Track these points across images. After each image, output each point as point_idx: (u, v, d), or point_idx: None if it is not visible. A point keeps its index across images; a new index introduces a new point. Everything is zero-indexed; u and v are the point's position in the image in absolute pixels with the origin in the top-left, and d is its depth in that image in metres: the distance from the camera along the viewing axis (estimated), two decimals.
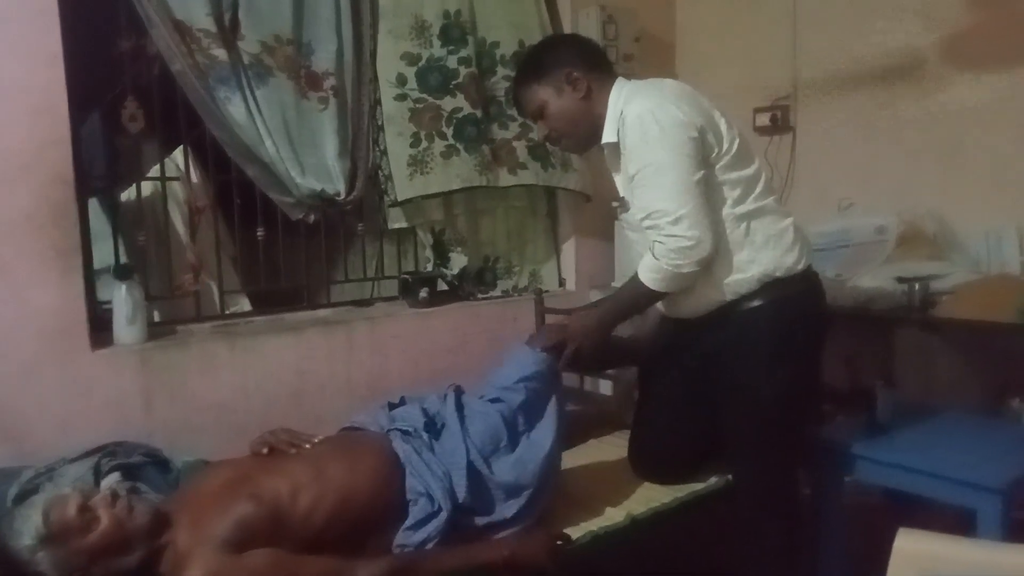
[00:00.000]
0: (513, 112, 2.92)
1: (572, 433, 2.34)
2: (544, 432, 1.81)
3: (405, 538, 1.60)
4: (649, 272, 1.79)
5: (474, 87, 2.85)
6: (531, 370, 1.86)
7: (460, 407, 1.84)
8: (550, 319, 2.64)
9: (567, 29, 3.14)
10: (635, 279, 1.83)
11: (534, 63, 1.92)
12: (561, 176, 3.05)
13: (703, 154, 1.73)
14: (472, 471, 1.68)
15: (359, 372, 2.58)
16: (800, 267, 1.84)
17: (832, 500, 2.07)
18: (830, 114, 3.12)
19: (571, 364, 1.91)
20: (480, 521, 1.68)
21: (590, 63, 1.89)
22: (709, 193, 1.76)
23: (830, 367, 2.16)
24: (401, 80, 2.72)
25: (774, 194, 1.90)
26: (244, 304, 2.75)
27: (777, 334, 1.80)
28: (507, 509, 1.70)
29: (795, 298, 1.83)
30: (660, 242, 1.72)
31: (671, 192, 1.69)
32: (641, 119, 1.71)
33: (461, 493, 1.64)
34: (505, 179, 2.94)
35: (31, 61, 2.01)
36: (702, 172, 1.73)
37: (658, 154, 1.70)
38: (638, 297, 1.87)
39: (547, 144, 2.05)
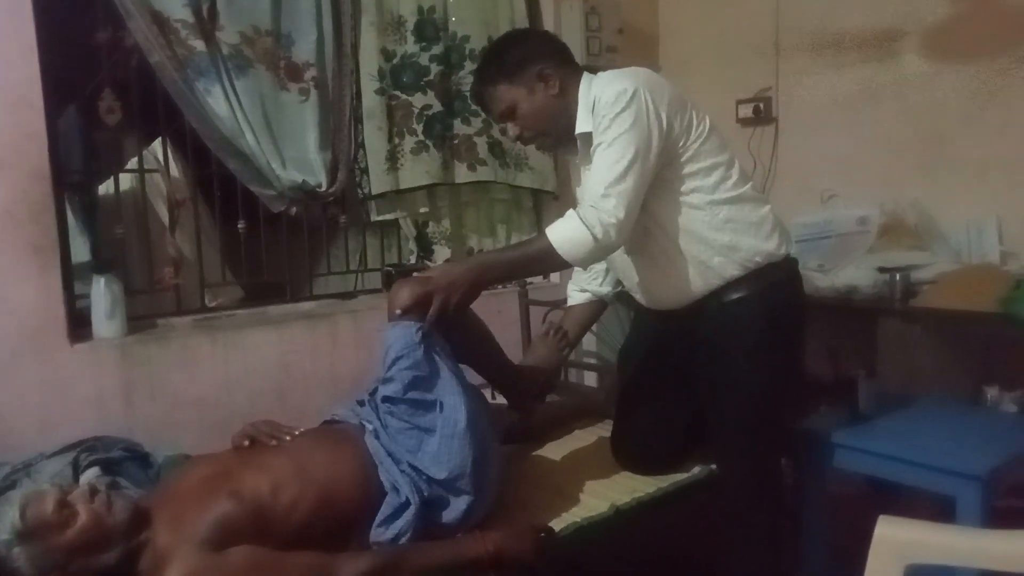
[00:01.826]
0: (477, 108, 2.91)
1: (556, 424, 2.35)
2: (452, 400, 1.64)
3: (377, 535, 1.57)
4: (570, 232, 1.66)
5: (443, 84, 2.86)
6: (396, 348, 1.64)
7: (378, 411, 1.73)
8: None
9: (549, 21, 3.14)
10: (541, 239, 1.71)
11: (501, 61, 1.81)
12: (515, 175, 3.06)
13: (667, 145, 1.71)
14: (415, 470, 1.63)
15: (343, 365, 2.57)
16: (781, 253, 1.84)
17: (814, 489, 2.08)
18: (813, 105, 3.12)
19: (439, 320, 1.67)
20: (449, 517, 1.63)
21: (559, 58, 1.83)
22: (680, 184, 1.75)
23: (812, 357, 2.17)
24: (381, 74, 2.72)
25: (750, 181, 1.89)
26: (236, 294, 2.73)
27: (761, 324, 1.80)
28: (459, 503, 1.63)
29: (778, 287, 1.83)
30: (588, 210, 1.65)
31: (615, 169, 1.65)
32: (617, 97, 1.67)
33: (424, 488, 1.61)
34: (465, 175, 2.94)
35: (5, 54, 1.98)
36: (655, 164, 1.69)
37: (618, 131, 1.66)
38: (537, 259, 1.74)
39: (518, 143, 1.98)
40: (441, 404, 1.64)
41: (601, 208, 1.65)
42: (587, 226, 1.65)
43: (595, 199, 1.66)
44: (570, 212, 1.70)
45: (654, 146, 1.68)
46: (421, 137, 2.81)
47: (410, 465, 1.63)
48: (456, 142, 2.93)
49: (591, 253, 1.70)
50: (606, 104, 1.69)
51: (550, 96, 1.80)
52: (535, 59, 1.79)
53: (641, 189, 1.68)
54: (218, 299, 2.69)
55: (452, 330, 1.76)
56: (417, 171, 2.80)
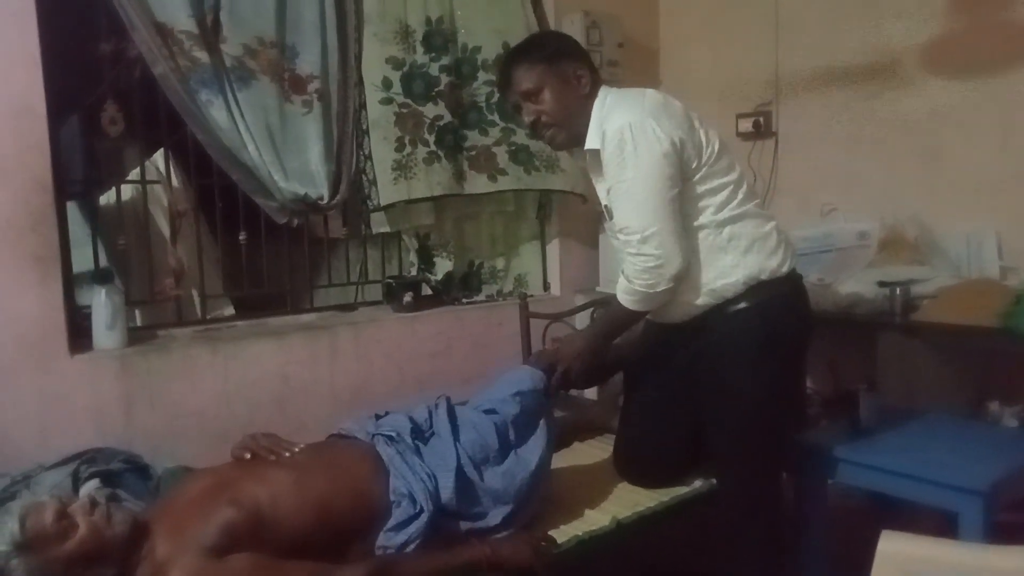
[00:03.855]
0: (494, 117, 2.92)
1: (557, 438, 2.34)
2: (533, 449, 1.83)
3: (387, 540, 1.59)
4: (624, 294, 1.84)
5: (454, 95, 2.85)
6: (527, 385, 1.89)
7: (452, 416, 1.85)
8: (550, 336, 2.67)
9: None
10: (615, 300, 1.88)
11: (546, 45, 1.91)
12: (547, 178, 3.04)
13: (680, 169, 1.74)
14: (461, 475, 1.68)
15: (343, 377, 2.57)
16: (784, 270, 1.85)
17: (815, 503, 2.08)
18: (812, 120, 3.14)
19: (562, 384, 1.98)
20: (465, 526, 1.69)
21: (591, 66, 1.91)
22: (688, 205, 1.77)
23: (813, 371, 2.17)
24: (387, 84, 2.72)
25: (756, 198, 1.90)
26: (227, 309, 2.72)
27: (762, 336, 1.80)
28: (493, 517, 1.71)
29: (780, 300, 1.84)
30: (631, 262, 1.77)
31: (640, 211, 1.73)
32: (620, 133, 1.71)
33: (446, 495, 1.64)
34: (484, 185, 2.93)
35: (8, 64, 1.99)
36: (676, 190, 1.74)
37: (630, 172, 1.72)
38: (620, 318, 1.93)
39: (532, 133, 2.01)
40: (517, 451, 1.82)
41: (644, 253, 1.74)
42: (641, 285, 1.78)
43: (634, 246, 1.75)
44: (623, 279, 1.83)
45: (669, 176, 1.72)
46: (433, 148, 2.80)
47: (459, 468, 1.70)
48: (474, 153, 2.92)
49: (662, 296, 1.81)
50: (611, 139, 1.73)
51: (579, 94, 1.85)
52: (574, 57, 1.88)
53: (673, 216, 1.74)
54: (213, 312, 2.68)
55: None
56: (429, 182, 2.79)
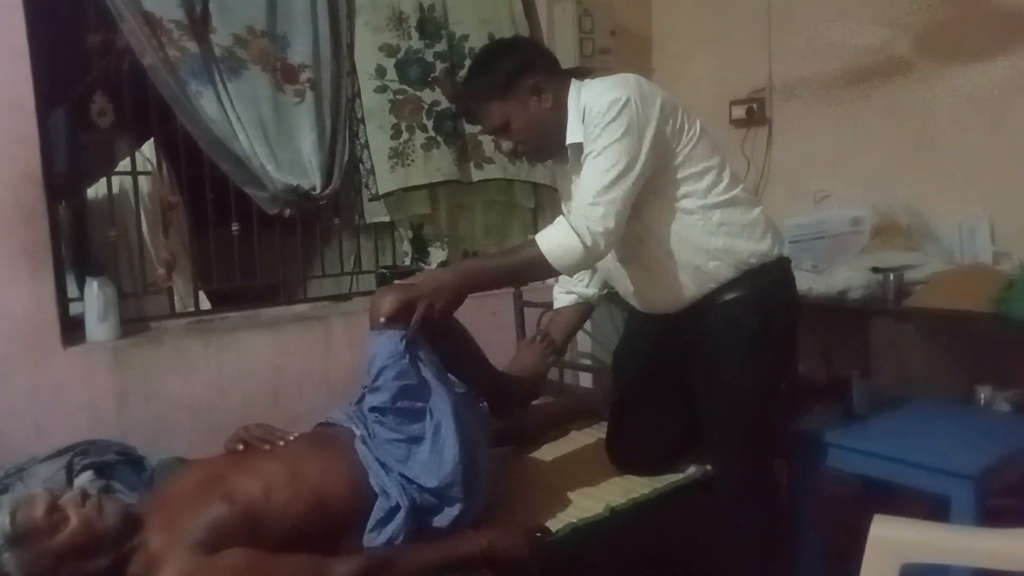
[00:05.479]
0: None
1: (552, 425, 2.35)
2: (440, 408, 1.63)
3: (370, 540, 1.57)
4: (561, 238, 1.65)
5: (449, 81, 2.85)
6: (382, 357, 1.61)
7: (364, 418, 1.71)
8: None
9: (543, 23, 3.14)
10: (531, 246, 1.69)
11: (493, 76, 1.75)
12: (529, 170, 3.05)
13: (656, 153, 1.69)
14: (406, 478, 1.62)
15: (337, 368, 2.57)
16: (775, 254, 1.84)
17: (809, 489, 2.08)
18: (806, 107, 3.13)
19: (424, 327, 1.64)
20: (440, 522, 1.63)
21: (550, 68, 1.80)
22: (673, 190, 1.74)
23: (806, 358, 2.17)
24: (380, 72, 2.71)
25: (742, 183, 1.89)
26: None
27: (756, 324, 1.80)
28: (451, 510, 1.63)
29: (772, 287, 1.83)
30: (581, 217, 1.64)
31: (604, 178, 1.64)
32: (607, 107, 1.66)
33: (415, 494, 1.61)
34: (473, 174, 2.94)
35: None
36: (645, 171, 1.67)
37: (608, 140, 1.65)
38: (526, 267, 1.73)
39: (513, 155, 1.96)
40: (431, 412, 1.64)
41: (590, 217, 1.64)
42: (577, 234, 1.64)
43: (584, 208, 1.65)
44: (560, 220, 1.69)
45: (644, 154, 1.67)
46: (432, 133, 2.80)
47: (400, 473, 1.63)
48: (461, 141, 2.92)
49: (580, 262, 1.70)
50: (598, 114, 1.67)
51: (544, 109, 1.76)
52: (527, 72, 1.75)
53: (630, 198, 1.67)
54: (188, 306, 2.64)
55: (436, 336, 1.72)
56: (429, 167, 2.78)
